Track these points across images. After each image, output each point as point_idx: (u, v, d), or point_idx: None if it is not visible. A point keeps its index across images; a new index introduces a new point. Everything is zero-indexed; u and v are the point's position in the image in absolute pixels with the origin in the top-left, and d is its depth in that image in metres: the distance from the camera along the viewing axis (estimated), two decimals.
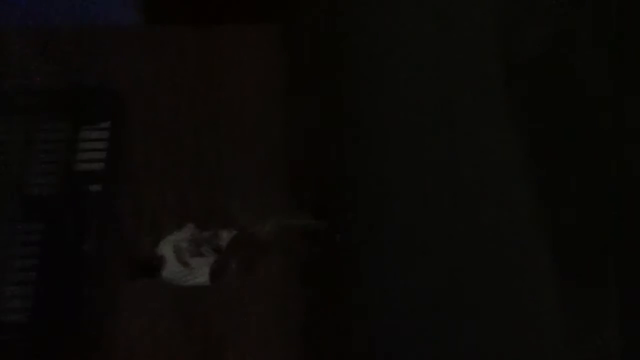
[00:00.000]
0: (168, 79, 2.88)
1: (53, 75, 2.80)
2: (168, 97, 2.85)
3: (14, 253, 2.63)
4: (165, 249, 2.62)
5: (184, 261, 2.61)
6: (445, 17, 2.43)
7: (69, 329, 2.58)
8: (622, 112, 2.02)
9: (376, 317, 2.39)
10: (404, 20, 2.64)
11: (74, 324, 2.59)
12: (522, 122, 2.23)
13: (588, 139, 2.07)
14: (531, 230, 2.08)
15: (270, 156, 2.71)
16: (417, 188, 2.40)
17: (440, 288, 2.18)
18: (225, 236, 2.73)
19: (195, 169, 2.73)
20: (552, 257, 1.99)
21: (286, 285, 2.52)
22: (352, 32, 2.80)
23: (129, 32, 2.93)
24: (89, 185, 2.72)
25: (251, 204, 2.67)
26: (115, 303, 2.54)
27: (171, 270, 2.63)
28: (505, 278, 2.08)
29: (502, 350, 2.00)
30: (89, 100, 2.82)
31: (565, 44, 2.26)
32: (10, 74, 2.78)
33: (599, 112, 2.06)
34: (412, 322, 2.23)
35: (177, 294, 2.54)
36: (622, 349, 1.88)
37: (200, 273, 2.60)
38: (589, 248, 1.99)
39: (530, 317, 2.02)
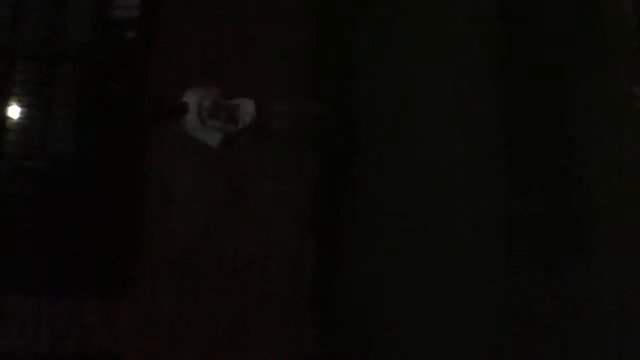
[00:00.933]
0: None
1: None
2: None
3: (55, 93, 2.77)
4: (191, 99, 2.73)
5: (202, 118, 2.75)
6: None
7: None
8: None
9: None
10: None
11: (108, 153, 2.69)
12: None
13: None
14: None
15: (294, 46, 2.83)
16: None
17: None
18: (244, 108, 2.84)
19: (228, 39, 2.86)
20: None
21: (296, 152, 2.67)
22: None
23: None
24: (124, 31, 2.86)
25: (272, 85, 2.85)
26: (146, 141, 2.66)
27: (190, 121, 2.76)
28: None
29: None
30: None
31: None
32: None
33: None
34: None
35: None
36: None
37: (212, 135, 2.75)
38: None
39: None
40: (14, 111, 3.05)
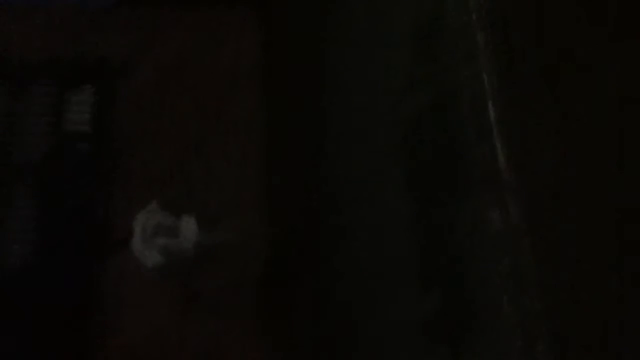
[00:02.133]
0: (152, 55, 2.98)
1: (41, 47, 2.98)
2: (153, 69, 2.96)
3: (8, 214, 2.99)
4: (136, 226, 3.20)
5: (146, 240, 3.22)
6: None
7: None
8: None
9: None
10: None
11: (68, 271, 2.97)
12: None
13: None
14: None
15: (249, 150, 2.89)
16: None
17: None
18: (185, 222, 3.26)
19: (173, 145, 2.97)
20: None
21: None
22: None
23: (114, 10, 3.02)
24: (74, 146, 2.99)
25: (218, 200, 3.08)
26: None
27: (136, 245, 3.25)
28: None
29: None
30: (75, 67, 3.01)
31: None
32: None
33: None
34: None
35: None
36: None
37: (153, 255, 3.22)
38: None
39: None
40: None
